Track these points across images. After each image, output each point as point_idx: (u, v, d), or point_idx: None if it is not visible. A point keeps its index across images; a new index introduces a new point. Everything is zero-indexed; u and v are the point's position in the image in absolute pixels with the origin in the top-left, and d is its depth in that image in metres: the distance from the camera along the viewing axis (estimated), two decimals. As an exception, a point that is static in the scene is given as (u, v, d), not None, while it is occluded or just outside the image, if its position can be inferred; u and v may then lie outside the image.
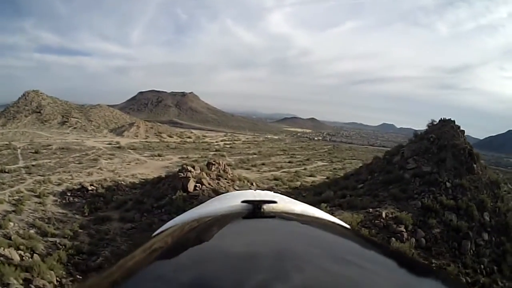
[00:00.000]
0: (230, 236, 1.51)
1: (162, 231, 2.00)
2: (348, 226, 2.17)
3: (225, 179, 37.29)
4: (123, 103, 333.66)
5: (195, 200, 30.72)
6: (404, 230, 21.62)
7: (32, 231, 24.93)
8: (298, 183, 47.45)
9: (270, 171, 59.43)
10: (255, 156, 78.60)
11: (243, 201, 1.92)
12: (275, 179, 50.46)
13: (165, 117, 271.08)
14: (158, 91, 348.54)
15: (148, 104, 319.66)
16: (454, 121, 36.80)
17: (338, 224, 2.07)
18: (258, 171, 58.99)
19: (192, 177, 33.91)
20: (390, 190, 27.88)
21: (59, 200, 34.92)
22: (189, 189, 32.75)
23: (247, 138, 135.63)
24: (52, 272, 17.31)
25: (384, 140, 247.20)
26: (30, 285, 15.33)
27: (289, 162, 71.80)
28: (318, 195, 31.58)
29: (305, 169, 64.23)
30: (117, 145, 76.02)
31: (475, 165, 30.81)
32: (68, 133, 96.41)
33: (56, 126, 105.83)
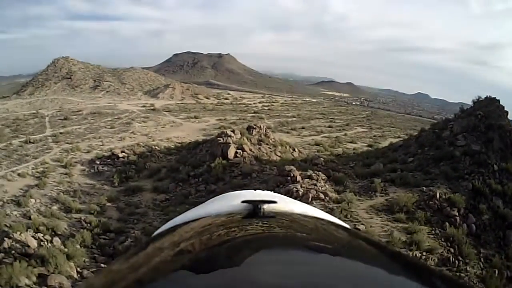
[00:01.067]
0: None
1: (162, 231, 1.80)
2: (348, 227, 1.87)
3: (267, 144, 35.76)
4: (157, 65, 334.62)
5: (235, 168, 29.61)
6: (457, 214, 20.80)
7: (55, 207, 23.99)
8: (340, 149, 47.01)
9: (310, 135, 59.12)
10: (294, 119, 77.79)
11: (243, 201, 1.80)
12: (316, 144, 50.11)
13: (201, 78, 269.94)
14: (194, 53, 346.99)
15: (184, 66, 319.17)
16: (499, 100, 36.07)
17: (339, 225, 1.82)
18: (298, 135, 58.52)
19: (233, 142, 32.33)
20: (442, 167, 26.94)
21: (87, 169, 34.18)
22: (229, 156, 31.20)
23: (285, 100, 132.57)
24: (71, 264, 15.69)
25: (420, 109, 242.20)
26: (44, 287, 13.46)
27: (329, 126, 71.33)
28: (367, 167, 30.26)
29: (345, 134, 63.61)
30: (152, 108, 75.19)
31: None
32: (101, 97, 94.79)
33: (88, 91, 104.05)
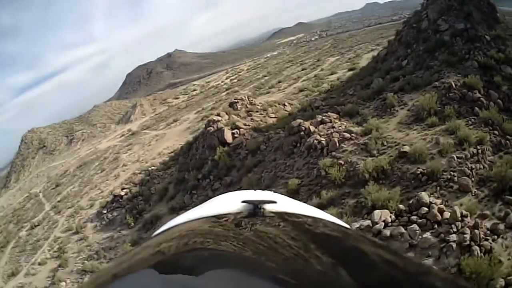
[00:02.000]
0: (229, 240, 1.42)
1: (161, 232, 1.78)
2: (348, 226, 1.85)
3: (257, 111, 34.29)
4: (116, 92, 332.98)
5: (241, 150, 28.10)
6: (480, 95, 20.88)
7: (86, 279, 22.54)
8: (325, 85, 46.66)
9: (290, 85, 58.85)
10: (266, 78, 78.08)
11: (242, 201, 1.80)
12: (301, 90, 50.03)
13: (162, 83, 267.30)
14: (144, 64, 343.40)
15: (140, 80, 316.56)
16: None
17: (339, 225, 1.79)
18: (279, 90, 58.36)
19: (225, 125, 30.64)
20: (439, 57, 26.52)
21: (98, 224, 32.94)
22: (228, 141, 29.49)
23: (249, 66, 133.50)
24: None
25: (377, 18, 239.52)
26: None
27: (302, 70, 71.39)
28: (367, 87, 29.69)
29: (322, 70, 63.56)
30: (130, 133, 74.59)
31: (498, 14, 30.93)
32: (79, 148, 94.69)
33: (66, 149, 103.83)
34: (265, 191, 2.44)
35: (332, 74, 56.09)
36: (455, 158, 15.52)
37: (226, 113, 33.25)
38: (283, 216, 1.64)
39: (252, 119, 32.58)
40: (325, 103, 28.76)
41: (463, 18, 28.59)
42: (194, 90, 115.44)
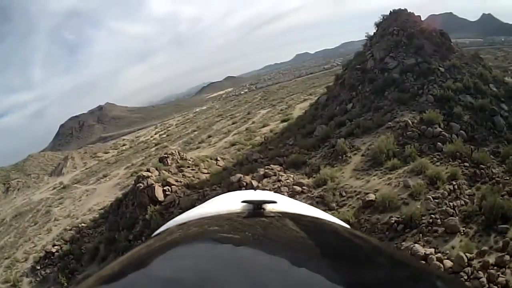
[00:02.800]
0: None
1: (161, 232, 1.88)
2: (348, 226, 1.84)
3: (188, 167, 32.25)
4: (50, 143, 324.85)
5: (173, 208, 25.91)
6: (441, 130, 20.42)
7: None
8: (257, 138, 45.73)
9: (220, 140, 57.74)
10: (196, 133, 76.92)
11: (242, 201, 1.81)
12: (232, 144, 48.46)
13: (93, 137, 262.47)
14: (77, 116, 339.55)
15: (73, 132, 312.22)
16: (406, 9, 35.93)
17: (339, 225, 1.80)
18: (210, 145, 57.01)
19: (155, 182, 28.37)
20: (389, 96, 26.19)
21: (33, 280, 30.97)
22: (159, 199, 27.05)
23: (178, 121, 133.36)
24: None
25: (307, 68, 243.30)
26: None
27: (232, 123, 70.56)
28: (309, 136, 28.60)
29: (253, 122, 62.98)
30: (62, 186, 71.83)
31: (451, 43, 31.24)
32: (15, 197, 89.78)
33: (3, 197, 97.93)
34: (265, 191, 2.39)
35: (264, 126, 55.55)
36: (432, 199, 14.46)
37: (156, 169, 31.35)
38: (283, 216, 1.61)
39: (183, 175, 30.69)
40: (264, 155, 27.78)
41: (413, 52, 28.46)
42: (124, 145, 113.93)
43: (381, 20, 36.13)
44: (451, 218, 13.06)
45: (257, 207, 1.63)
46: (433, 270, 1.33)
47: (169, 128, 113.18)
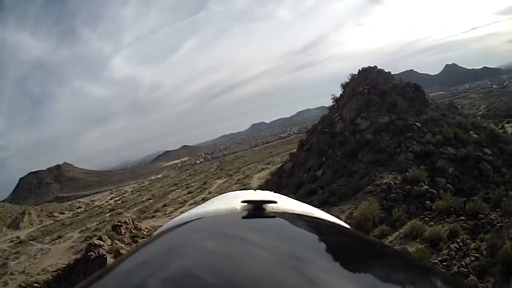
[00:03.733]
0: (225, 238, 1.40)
1: (162, 232, 1.75)
2: (348, 226, 1.84)
3: (142, 237, 31.58)
4: (9, 195, 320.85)
5: None
6: (427, 187, 19.34)
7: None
8: None
9: (176, 209, 56.65)
10: (151, 201, 76.28)
11: (243, 201, 1.73)
12: None
13: (50, 195, 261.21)
14: (36, 172, 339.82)
15: (31, 188, 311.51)
16: (376, 66, 35.69)
17: (339, 225, 1.80)
18: (165, 214, 55.74)
19: (107, 252, 27.34)
20: (363, 158, 25.12)
21: None
22: None
23: (133, 188, 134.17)
24: None
25: (263, 137, 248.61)
26: None
27: (188, 193, 70.37)
28: None
29: (209, 193, 62.38)
30: (18, 241, 70.35)
31: (426, 96, 30.91)
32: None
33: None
34: (266, 191, 2.35)
35: None
36: (439, 263, 13.20)
37: (109, 237, 30.31)
38: (283, 216, 1.60)
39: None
40: None
41: (386, 110, 27.89)
42: (79, 207, 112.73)
43: (349, 80, 35.64)
44: (471, 277, 11.91)
45: (257, 207, 1.59)
46: (434, 269, 1.26)
47: (124, 195, 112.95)
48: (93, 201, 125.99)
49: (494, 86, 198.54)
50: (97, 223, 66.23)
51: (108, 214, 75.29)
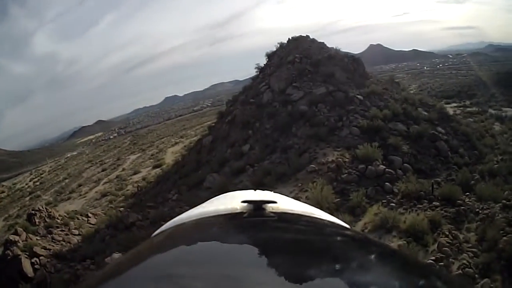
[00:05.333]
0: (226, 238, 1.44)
1: (162, 231, 1.83)
2: (348, 226, 1.86)
3: (57, 227, 26.74)
4: None
5: None
6: (384, 167, 17.31)
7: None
8: (130, 187, 44.01)
9: (91, 189, 55.04)
10: (67, 181, 74.15)
11: (243, 201, 1.74)
12: (103, 195, 45.91)
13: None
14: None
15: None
16: (308, 36, 34.25)
17: (339, 224, 1.82)
18: (80, 195, 53.52)
19: (21, 250, 21.85)
20: (298, 132, 22.48)
21: None
22: (29, 274, 20.34)
23: (51, 167, 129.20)
24: None
25: (176, 110, 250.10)
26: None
27: (102, 170, 69.74)
28: (197, 187, 24.22)
29: (123, 169, 62.21)
30: None
31: (365, 69, 30.43)
32: None
33: None
34: (266, 191, 2.30)
35: (135, 173, 53.86)
36: (436, 262, 10.93)
37: (24, 230, 25.14)
38: (283, 216, 1.62)
39: (53, 238, 24.97)
40: (143, 216, 23.04)
41: (322, 81, 25.72)
42: (2, 191, 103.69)
43: (276, 49, 33.47)
44: (484, 281, 10.06)
45: (257, 207, 1.58)
46: (435, 269, 2.39)
47: (42, 175, 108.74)
48: (14, 184, 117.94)
49: (425, 67, 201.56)
50: (19, 208, 62.44)
51: (28, 198, 71.78)
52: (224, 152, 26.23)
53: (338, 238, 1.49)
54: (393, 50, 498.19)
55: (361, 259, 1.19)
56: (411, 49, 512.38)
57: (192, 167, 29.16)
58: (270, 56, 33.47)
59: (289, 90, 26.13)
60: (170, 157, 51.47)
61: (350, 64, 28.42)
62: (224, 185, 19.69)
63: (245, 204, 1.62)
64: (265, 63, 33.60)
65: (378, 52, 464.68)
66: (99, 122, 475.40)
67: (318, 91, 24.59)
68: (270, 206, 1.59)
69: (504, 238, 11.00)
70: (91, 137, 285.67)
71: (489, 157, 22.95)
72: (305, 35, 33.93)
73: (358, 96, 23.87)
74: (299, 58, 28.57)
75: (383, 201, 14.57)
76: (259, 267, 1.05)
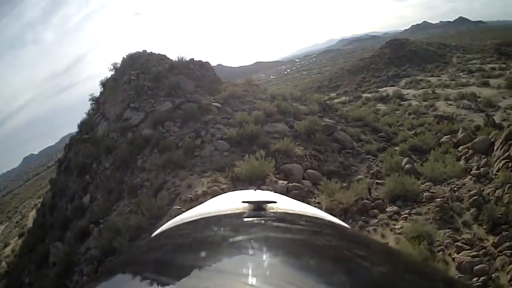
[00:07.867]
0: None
1: (161, 232, 1.72)
2: (348, 226, 1.81)
3: None
4: None
5: None
6: (286, 181, 15.15)
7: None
8: (4, 263, 37.02)
9: None
10: None
11: (243, 201, 1.68)
12: None
13: None
14: None
15: None
16: (145, 50, 32.04)
17: (339, 224, 1.74)
18: None
19: None
20: (146, 164, 18.44)
21: None
22: None
23: None
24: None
25: (33, 169, 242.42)
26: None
27: None
28: (45, 265, 18.65)
29: None
30: None
31: (216, 74, 28.92)
32: None
33: None
34: (266, 191, 2.14)
35: (6, 246, 49.12)
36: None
37: None
38: (284, 216, 1.57)
39: None
40: None
41: (165, 95, 22.89)
42: None
43: (110, 74, 30.51)
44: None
45: (257, 207, 1.54)
46: (435, 268, 1.35)
47: None
48: None
49: (271, 76, 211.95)
50: None
51: None
52: (65, 210, 21.45)
53: (339, 238, 1.39)
54: (233, 67, 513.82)
55: (361, 259, 1.09)
56: (252, 62, 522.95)
57: (39, 235, 23.36)
58: (104, 83, 30.07)
59: (126, 114, 22.65)
60: (31, 222, 44.93)
61: (197, 70, 25.86)
62: (67, 259, 15.05)
63: (245, 204, 1.54)
64: (99, 92, 30.10)
65: (220, 72, 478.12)
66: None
67: (162, 107, 21.44)
68: (270, 206, 1.51)
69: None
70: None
71: (402, 134, 23.04)
72: (142, 50, 31.39)
73: (215, 104, 20.91)
74: (135, 75, 25.55)
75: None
76: (259, 267, 0.96)
